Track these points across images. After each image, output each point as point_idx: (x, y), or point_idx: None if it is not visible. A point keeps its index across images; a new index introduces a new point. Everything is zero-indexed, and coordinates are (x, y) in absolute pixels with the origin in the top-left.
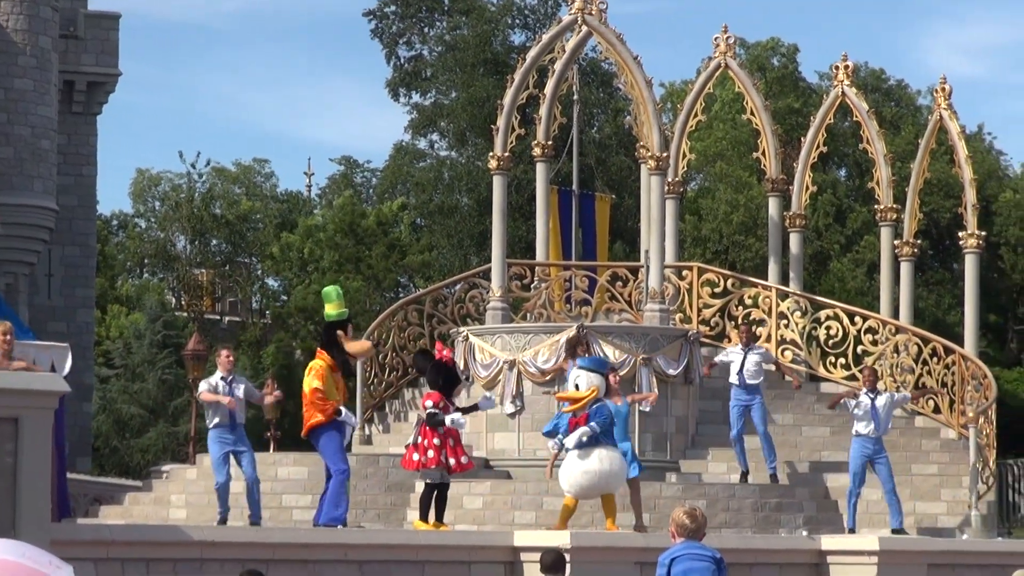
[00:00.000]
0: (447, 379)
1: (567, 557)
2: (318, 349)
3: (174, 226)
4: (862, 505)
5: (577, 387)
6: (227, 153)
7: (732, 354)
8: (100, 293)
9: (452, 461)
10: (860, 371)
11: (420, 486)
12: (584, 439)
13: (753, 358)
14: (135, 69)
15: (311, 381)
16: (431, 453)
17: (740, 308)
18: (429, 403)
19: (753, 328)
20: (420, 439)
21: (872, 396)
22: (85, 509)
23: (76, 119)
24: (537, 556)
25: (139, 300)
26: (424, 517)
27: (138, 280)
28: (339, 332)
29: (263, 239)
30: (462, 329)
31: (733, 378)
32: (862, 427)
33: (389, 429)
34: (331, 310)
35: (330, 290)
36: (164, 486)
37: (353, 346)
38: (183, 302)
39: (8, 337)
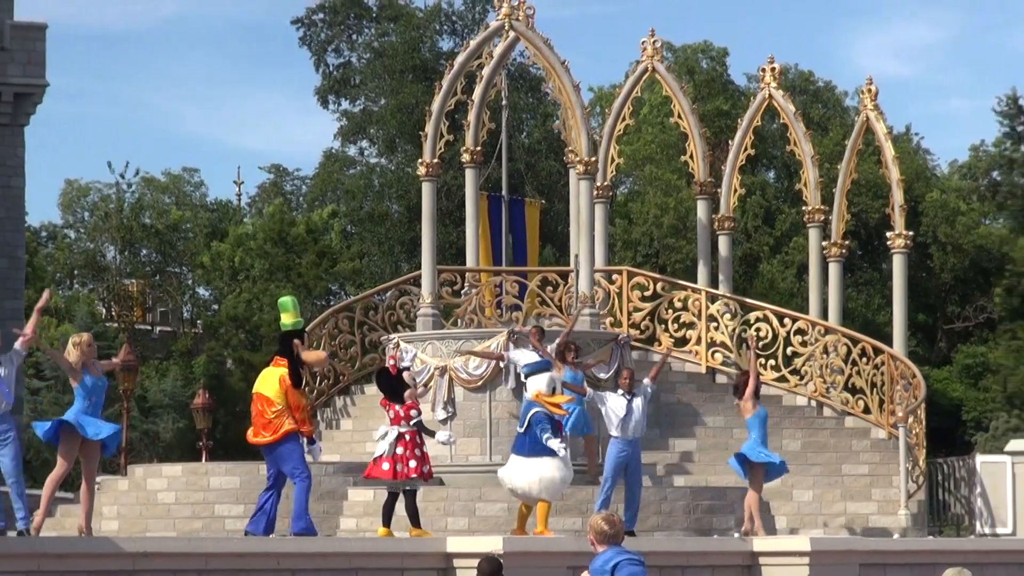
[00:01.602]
0: (390, 388)
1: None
2: (275, 357)
3: (104, 236)
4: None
5: (554, 391)
6: (156, 163)
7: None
8: (29, 305)
9: (426, 468)
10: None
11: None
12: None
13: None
14: (63, 79)
15: (294, 395)
16: (413, 463)
17: (670, 311)
18: (414, 412)
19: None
20: (401, 450)
21: (629, 398)
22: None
23: (3, 130)
24: (470, 562)
25: (69, 311)
26: (387, 524)
27: (68, 291)
28: (295, 341)
29: (193, 248)
30: (393, 336)
31: (615, 431)
32: (617, 429)
33: (321, 437)
34: (287, 319)
35: (286, 300)
36: (95, 497)
37: (309, 355)
38: (113, 313)
39: None
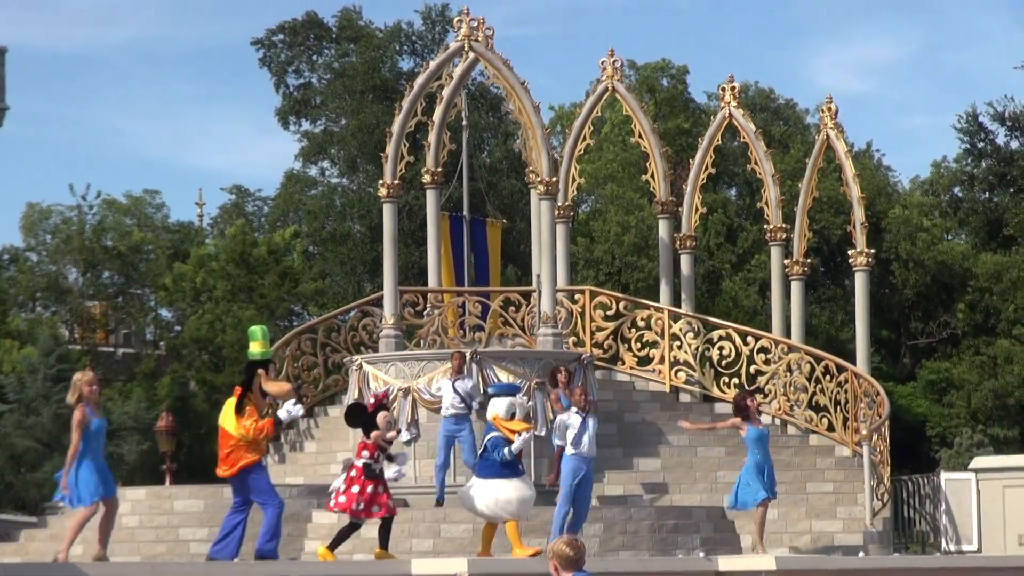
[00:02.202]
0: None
1: None
2: (236, 388)
3: (66, 259)
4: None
5: (513, 416)
6: (117, 185)
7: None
8: None
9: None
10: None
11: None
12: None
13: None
14: (22, 102)
15: (242, 421)
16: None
17: (633, 330)
18: (365, 453)
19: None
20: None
21: (583, 416)
22: None
23: None
24: None
25: (31, 334)
26: (334, 548)
27: (30, 314)
28: (260, 371)
29: (155, 270)
30: (356, 357)
31: (571, 447)
32: (572, 445)
33: (285, 459)
34: (255, 348)
35: (256, 329)
36: (60, 522)
37: (272, 387)
38: (76, 335)
39: None
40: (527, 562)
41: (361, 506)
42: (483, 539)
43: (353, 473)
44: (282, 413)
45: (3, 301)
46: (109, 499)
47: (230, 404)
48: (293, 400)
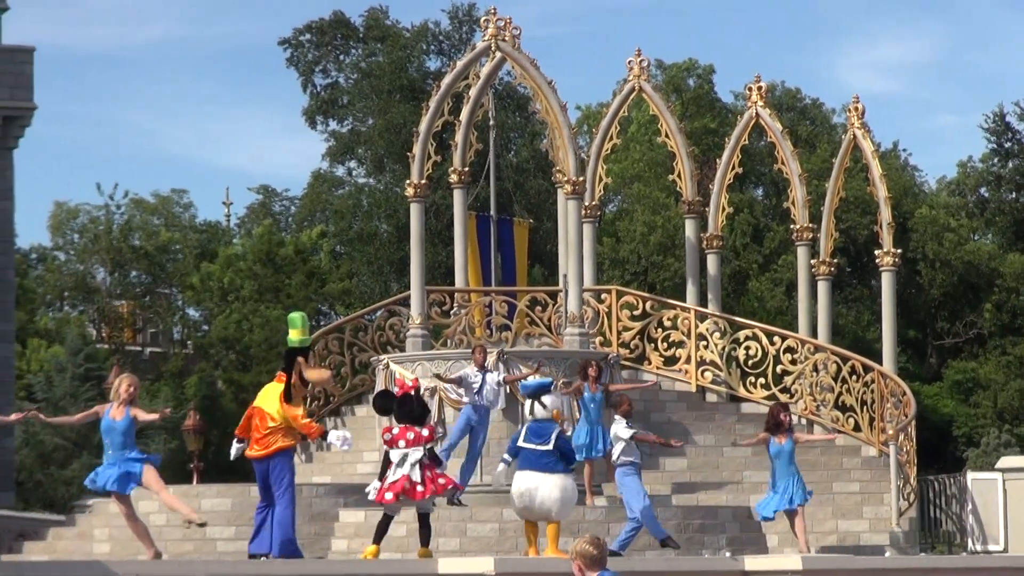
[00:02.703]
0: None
1: None
2: (279, 373)
3: (93, 258)
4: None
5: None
6: (145, 184)
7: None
8: (20, 327)
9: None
10: (618, 398)
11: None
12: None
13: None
14: (51, 102)
15: (291, 409)
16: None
17: (659, 330)
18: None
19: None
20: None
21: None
22: (9, 545)
23: None
24: None
25: (59, 333)
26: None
27: (58, 313)
28: (299, 359)
29: (183, 269)
30: (383, 357)
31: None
32: (634, 456)
33: (312, 458)
34: (294, 336)
35: (295, 316)
36: (87, 520)
37: (312, 373)
38: (104, 334)
39: None
40: (553, 561)
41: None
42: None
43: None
44: (333, 438)
45: (31, 300)
46: (122, 496)
47: (273, 388)
48: (345, 438)
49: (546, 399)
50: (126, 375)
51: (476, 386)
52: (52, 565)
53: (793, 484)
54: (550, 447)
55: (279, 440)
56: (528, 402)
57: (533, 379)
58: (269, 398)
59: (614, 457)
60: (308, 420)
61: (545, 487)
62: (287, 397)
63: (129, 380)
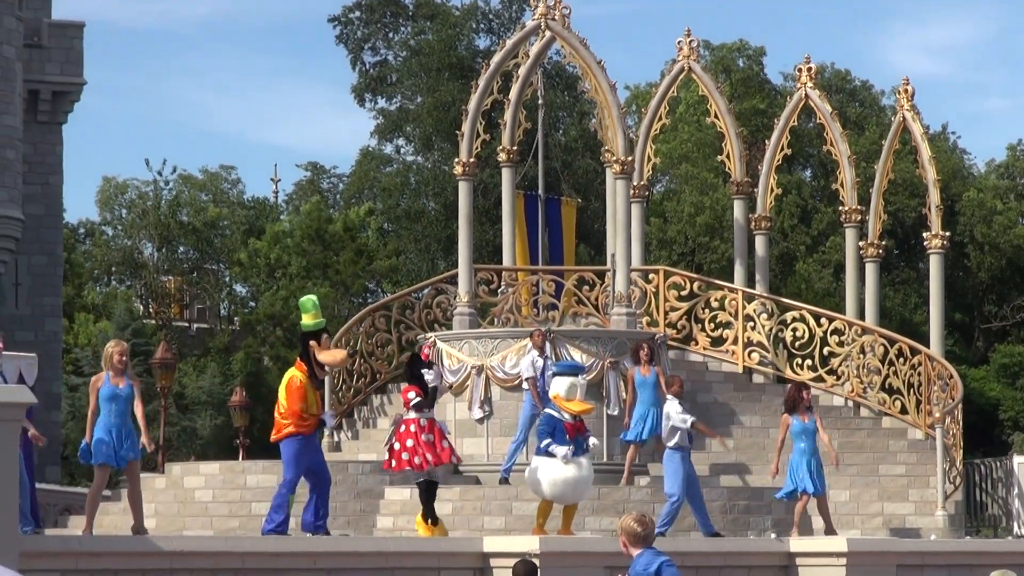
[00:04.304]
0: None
1: (537, 563)
2: (297, 359)
3: (141, 233)
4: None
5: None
6: (193, 160)
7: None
8: (67, 301)
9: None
10: (670, 378)
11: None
12: (587, 448)
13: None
14: (100, 77)
15: (292, 400)
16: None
17: (706, 311)
18: (412, 394)
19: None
20: (410, 442)
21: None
22: (54, 519)
23: (41, 128)
24: (507, 562)
25: (107, 308)
26: (428, 517)
27: (105, 288)
28: (312, 343)
29: (230, 246)
30: (430, 335)
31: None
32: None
33: (358, 436)
34: (306, 320)
35: (306, 300)
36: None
37: (324, 356)
38: (151, 309)
39: None
40: (598, 541)
41: (421, 458)
42: (564, 517)
43: (403, 429)
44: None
45: (79, 275)
46: (123, 468)
47: (287, 374)
48: (332, 413)
49: (555, 382)
50: (114, 342)
51: (541, 368)
52: (97, 540)
53: (820, 466)
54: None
55: (284, 428)
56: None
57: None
58: (282, 385)
59: (665, 438)
60: (304, 417)
61: (587, 471)
62: (317, 384)
63: (121, 348)
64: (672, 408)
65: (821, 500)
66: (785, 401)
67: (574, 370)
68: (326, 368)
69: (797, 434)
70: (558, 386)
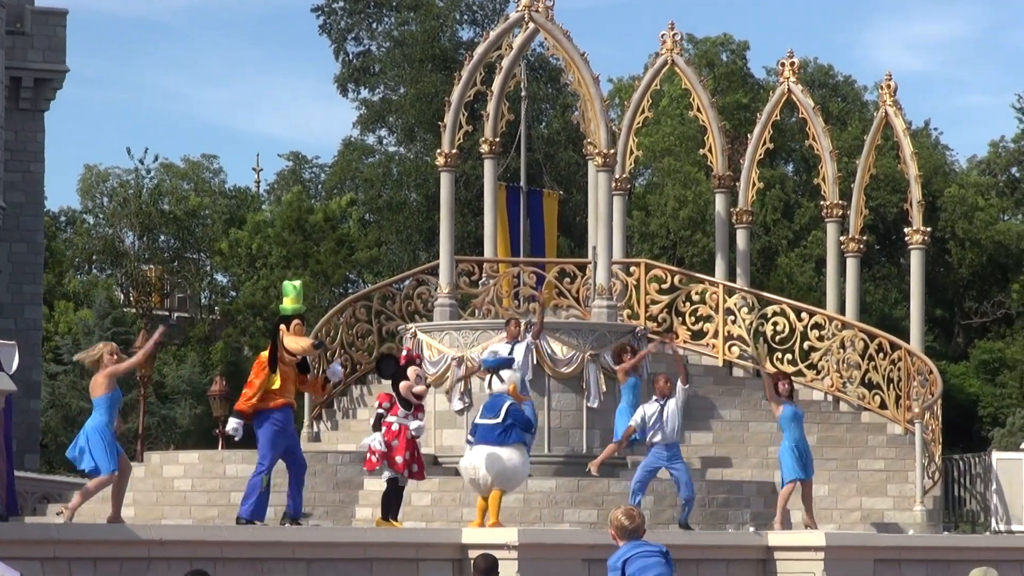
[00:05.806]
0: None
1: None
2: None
3: (122, 222)
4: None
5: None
6: (175, 149)
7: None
8: (48, 289)
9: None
10: (654, 377)
11: (381, 484)
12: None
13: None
14: (83, 65)
15: (252, 374)
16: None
17: (687, 304)
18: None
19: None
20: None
21: (661, 403)
22: (33, 507)
23: (23, 115)
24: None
25: (87, 296)
26: (391, 515)
27: (86, 276)
28: (281, 327)
29: (212, 235)
30: (410, 326)
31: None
32: (656, 436)
33: (337, 426)
34: (286, 303)
35: (288, 285)
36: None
37: (289, 341)
38: (132, 298)
39: None
40: (577, 533)
41: (415, 468)
42: (479, 511)
43: (396, 437)
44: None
45: (60, 263)
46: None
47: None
48: (339, 361)
49: (505, 374)
50: (103, 343)
51: None
52: (76, 528)
53: (808, 452)
54: (499, 419)
55: (241, 399)
56: (487, 377)
57: (491, 356)
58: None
59: (648, 438)
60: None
61: (489, 458)
62: (271, 367)
63: (111, 347)
64: (649, 408)
65: (807, 486)
66: (768, 388)
67: (509, 363)
68: (288, 355)
69: (787, 420)
70: (513, 378)
